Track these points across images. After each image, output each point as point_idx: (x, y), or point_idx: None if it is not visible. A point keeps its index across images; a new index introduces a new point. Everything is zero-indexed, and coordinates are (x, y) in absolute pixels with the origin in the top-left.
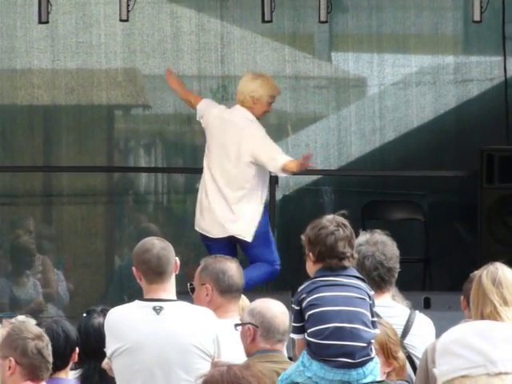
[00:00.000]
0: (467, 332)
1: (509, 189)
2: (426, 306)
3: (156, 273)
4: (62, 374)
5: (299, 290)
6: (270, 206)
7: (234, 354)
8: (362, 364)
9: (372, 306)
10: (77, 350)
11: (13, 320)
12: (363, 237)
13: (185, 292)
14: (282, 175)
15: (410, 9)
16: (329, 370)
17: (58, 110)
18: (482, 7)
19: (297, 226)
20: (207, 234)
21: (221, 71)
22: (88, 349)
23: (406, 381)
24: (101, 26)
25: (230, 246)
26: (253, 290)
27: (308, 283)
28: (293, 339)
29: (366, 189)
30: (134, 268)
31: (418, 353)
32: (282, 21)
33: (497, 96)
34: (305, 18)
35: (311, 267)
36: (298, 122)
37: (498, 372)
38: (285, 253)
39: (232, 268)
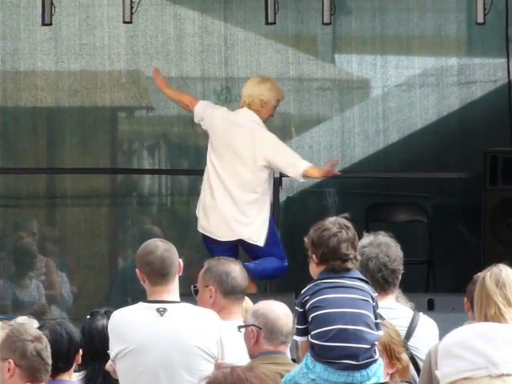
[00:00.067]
0: (469, 334)
1: None
2: (430, 307)
3: (159, 274)
4: (65, 376)
5: (302, 291)
6: (274, 208)
7: (238, 355)
8: (366, 366)
9: (375, 307)
10: (80, 351)
11: (12, 322)
12: (367, 239)
13: (188, 294)
14: (300, 181)
15: (413, 11)
16: (332, 372)
17: (62, 112)
18: (485, 9)
19: (300, 227)
20: (212, 236)
21: (224, 73)
22: (91, 351)
23: (410, 382)
24: (104, 27)
25: (233, 248)
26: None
27: (311, 285)
28: (296, 341)
29: (369, 190)
30: (137, 270)
31: (421, 354)
32: (285, 23)
33: (500, 98)
34: (308, 20)
35: (314, 269)
36: (301, 123)
37: (500, 374)
38: (288, 254)
39: (235, 270)
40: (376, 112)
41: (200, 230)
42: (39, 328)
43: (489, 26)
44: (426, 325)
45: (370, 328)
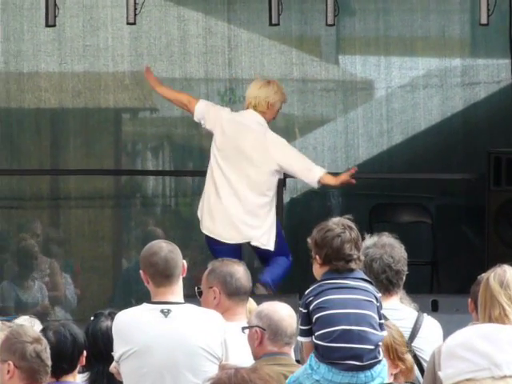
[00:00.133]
0: (472, 335)
1: None
2: (434, 308)
3: (164, 276)
4: (69, 378)
5: (306, 292)
6: (278, 209)
7: (242, 356)
8: (370, 366)
9: (379, 308)
10: (84, 353)
11: (11, 323)
12: (371, 239)
13: (192, 295)
14: (315, 187)
15: (417, 12)
16: (337, 372)
17: (66, 113)
18: (489, 10)
19: (304, 228)
20: (218, 238)
21: (228, 74)
22: (95, 352)
23: (414, 383)
24: (108, 29)
25: (238, 250)
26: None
27: (315, 286)
28: (300, 342)
29: (373, 191)
30: (141, 271)
31: (425, 355)
32: (289, 24)
33: (504, 99)
34: (312, 21)
35: (318, 270)
36: (305, 124)
37: (503, 375)
38: (292, 255)
39: (239, 271)
40: (380, 113)
41: (205, 231)
42: (43, 329)
43: (492, 26)
44: (430, 326)
45: (374, 329)
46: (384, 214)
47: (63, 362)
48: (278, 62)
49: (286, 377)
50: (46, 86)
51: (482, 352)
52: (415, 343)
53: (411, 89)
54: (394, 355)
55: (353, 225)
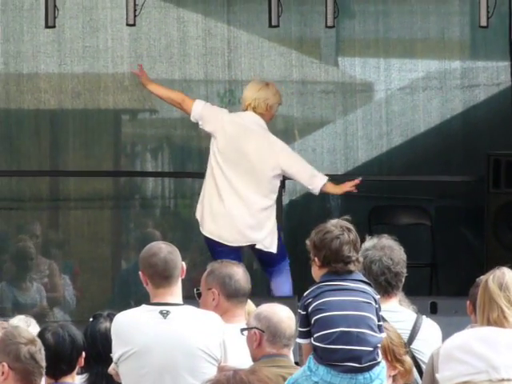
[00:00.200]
0: (470, 338)
1: None
2: (433, 310)
3: (163, 277)
4: (68, 379)
5: (305, 294)
6: (277, 211)
7: (241, 358)
8: (369, 368)
9: (378, 310)
10: (83, 354)
11: (5, 324)
12: (370, 241)
13: (191, 297)
14: (315, 193)
15: (416, 14)
16: (335, 374)
17: (65, 115)
18: (488, 12)
19: (304, 230)
20: (221, 241)
21: (228, 76)
22: (94, 353)
23: None
24: (108, 30)
25: (239, 251)
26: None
27: (314, 288)
28: (299, 344)
29: (372, 193)
30: (140, 272)
31: (424, 358)
32: (288, 26)
33: (503, 101)
34: (312, 23)
35: (317, 272)
36: (304, 126)
37: (500, 378)
38: (291, 257)
39: (238, 272)
40: (379, 115)
41: (207, 234)
42: (41, 331)
43: (492, 29)
44: (429, 328)
45: (373, 330)
46: (383, 216)
47: (62, 364)
48: (277, 64)
49: (284, 379)
50: (46, 87)
51: (480, 355)
52: (414, 345)
53: (411, 91)
54: (391, 357)
55: (351, 226)
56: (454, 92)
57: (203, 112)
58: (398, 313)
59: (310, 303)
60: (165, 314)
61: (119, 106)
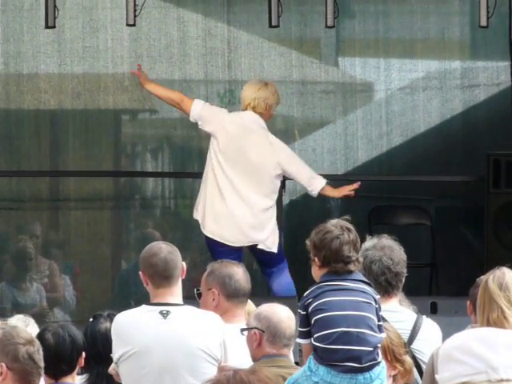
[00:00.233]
0: (469, 338)
1: None
2: (433, 310)
3: (163, 277)
4: (68, 379)
5: (305, 294)
6: (277, 211)
7: (241, 358)
8: (369, 368)
9: (378, 310)
10: (83, 354)
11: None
12: (370, 241)
13: (191, 297)
14: (314, 195)
15: (416, 14)
16: (335, 374)
17: (65, 115)
18: (488, 12)
19: (304, 230)
20: (223, 241)
21: (228, 76)
22: (94, 353)
23: None
24: (108, 30)
25: (240, 251)
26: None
27: (314, 288)
28: (299, 344)
29: (372, 193)
30: (140, 272)
31: (424, 358)
32: (288, 26)
33: (503, 101)
34: (312, 23)
35: (317, 272)
36: (304, 126)
37: (499, 379)
38: (291, 257)
39: (238, 273)
40: (379, 115)
41: (208, 234)
42: (42, 331)
43: (492, 29)
44: (429, 328)
45: (373, 330)
46: (383, 216)
47: (62, 364)
48: (277, 64)
49: (284, 379)
50: (46, 87)
51: (479, 355)
52: (414, 345)
53: (411, 91)
54: (391, 357)
55: (351, 226)
56: (454, 92)
57: (202, 112)
58: (398, 313)
59: (310, 303)
60: (165, 314)
61: (119, 106)
